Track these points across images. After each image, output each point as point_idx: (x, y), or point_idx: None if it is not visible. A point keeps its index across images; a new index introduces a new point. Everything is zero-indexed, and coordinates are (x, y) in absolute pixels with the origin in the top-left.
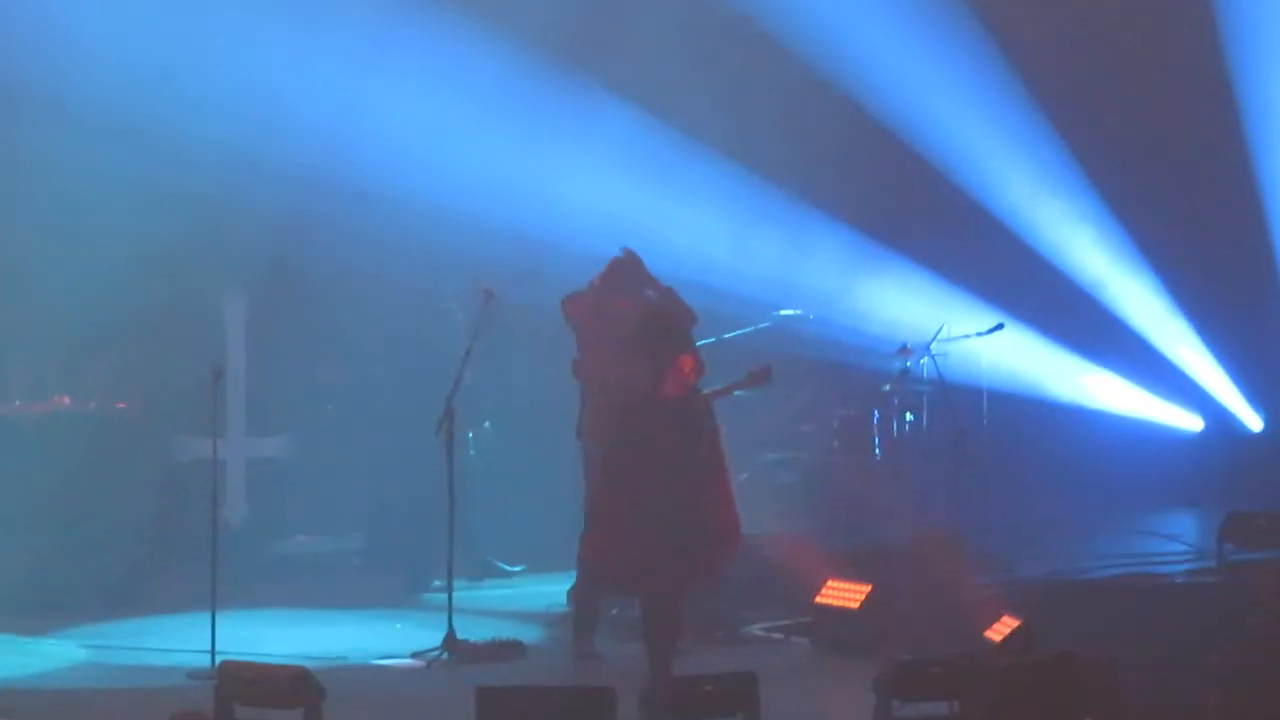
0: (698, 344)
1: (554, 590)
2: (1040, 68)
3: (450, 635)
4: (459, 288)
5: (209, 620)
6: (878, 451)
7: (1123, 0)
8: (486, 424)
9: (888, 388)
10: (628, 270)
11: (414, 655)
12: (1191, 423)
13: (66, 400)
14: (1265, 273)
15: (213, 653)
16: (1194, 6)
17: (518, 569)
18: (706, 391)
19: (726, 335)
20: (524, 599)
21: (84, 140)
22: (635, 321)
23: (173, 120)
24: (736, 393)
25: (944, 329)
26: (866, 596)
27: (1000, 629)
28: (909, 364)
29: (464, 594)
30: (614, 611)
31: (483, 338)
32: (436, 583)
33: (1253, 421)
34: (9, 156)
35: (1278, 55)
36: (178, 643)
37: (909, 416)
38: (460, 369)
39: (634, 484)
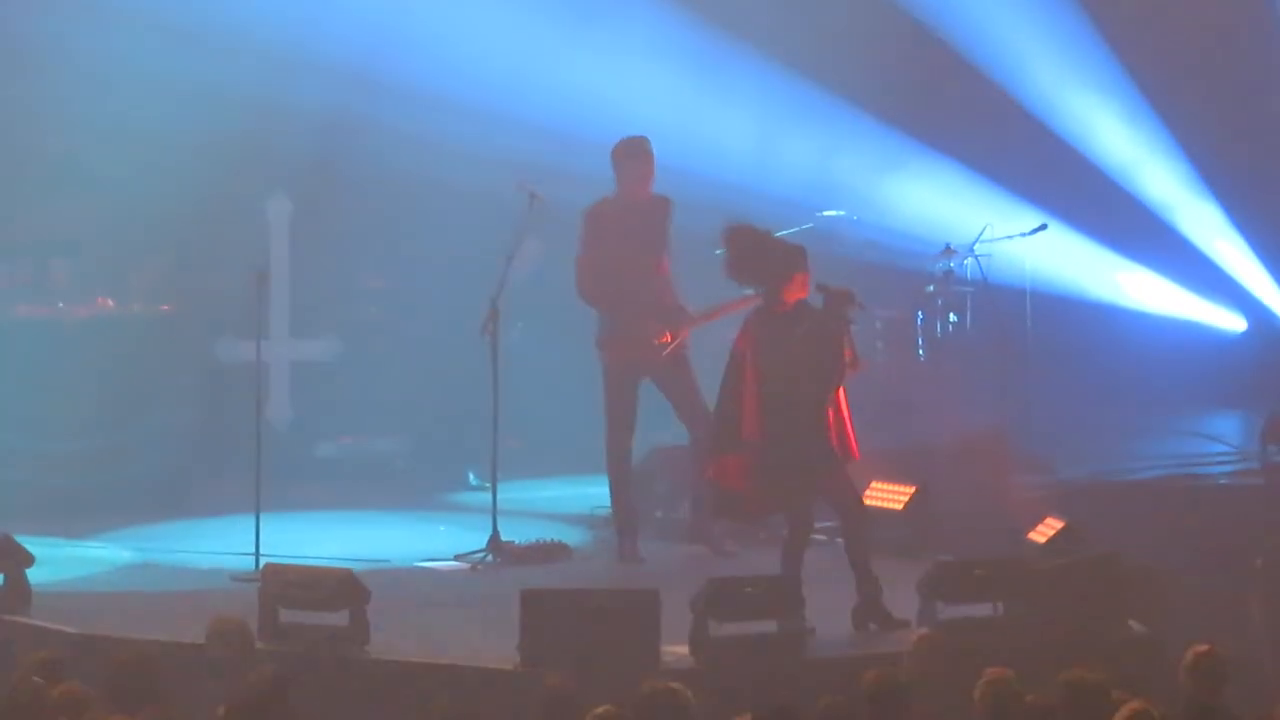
0: None
1: (596, 492)
2: None
3: (495, 537)
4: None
5: (253, 523)
6: (921, 353)
7: None
8: (519, 325)
9: (931, 289)
10: (644, 156)
11: (458, 557)
12: (1234, 323)
13: (110, 303)
14: None
15: (257, 555)
16: None
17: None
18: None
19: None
20: (567, 501)
21: (127, 39)
22: (730, 239)
23: (217, 19)
24: None
25: (987, 229)
26: (910, 498)
27: (1044, 530)
28: (952, 265)
29: (507, 495)
30: (658, 515)
31: (527, 239)
32: (472, 482)
33: None
34: (54, 56)
35: None
36: (222, 545)
37: (953, 318)
38: (505, 270)
39: (782, 400)
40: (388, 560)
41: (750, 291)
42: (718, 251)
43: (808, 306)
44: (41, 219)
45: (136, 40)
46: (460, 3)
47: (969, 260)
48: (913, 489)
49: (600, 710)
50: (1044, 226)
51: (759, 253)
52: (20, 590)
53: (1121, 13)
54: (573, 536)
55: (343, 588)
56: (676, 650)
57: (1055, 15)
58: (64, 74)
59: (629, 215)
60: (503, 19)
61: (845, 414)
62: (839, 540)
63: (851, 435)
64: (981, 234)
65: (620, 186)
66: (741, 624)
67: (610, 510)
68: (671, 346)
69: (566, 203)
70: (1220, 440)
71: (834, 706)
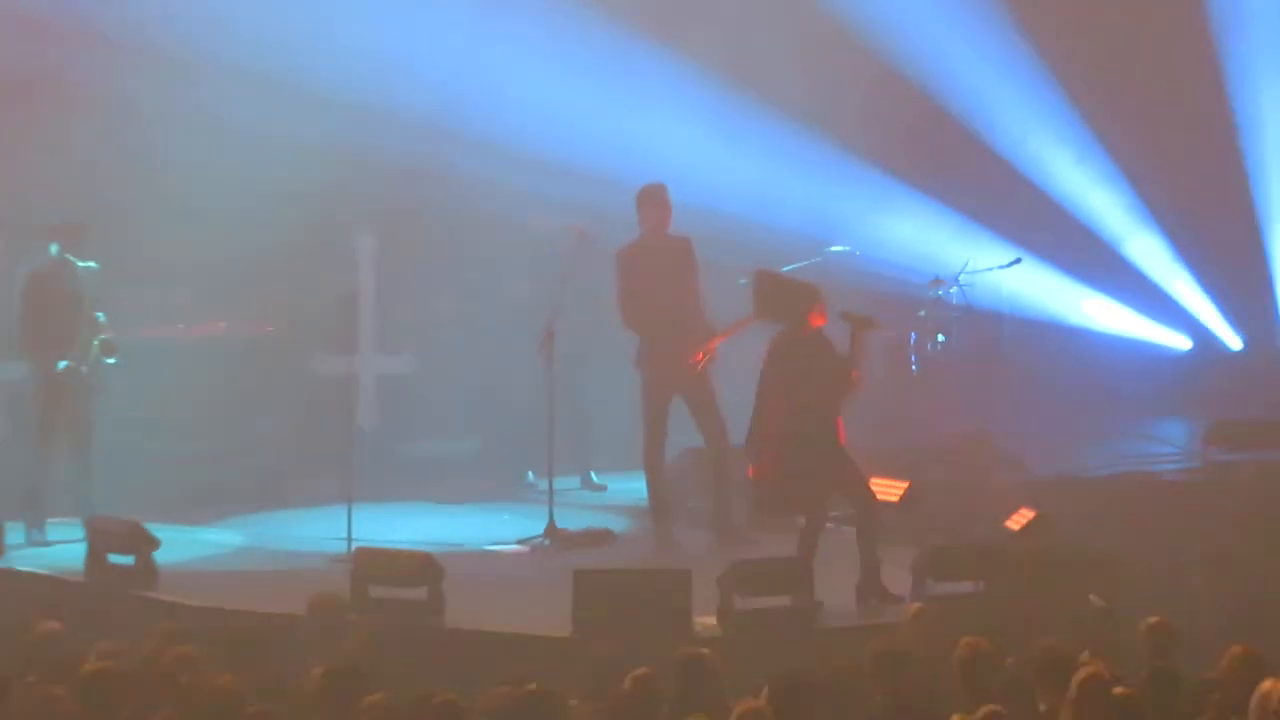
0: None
1: (637, 486)
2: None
3: (551, 525)
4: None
5: (346, 513)
6: (914, 367)
7: None
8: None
9: (923, 313)
10: (662, 200)
11: (520, 542)
12: (1180, 342)
13: (223, 325)
14: (1245, 210)
15: (349, 540)
16: None
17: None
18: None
19: (787, 268)
20: (612, 495)
21: (239, 98)
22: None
23: (313, 81)
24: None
25: (970, 262)
26: (905, 492)
27: (1019, 519)
28: (940, 293)
29: (562, 489)
30: (690, 505)
31: (576, 271)
32: (530, 479)
33: (1233, 341)
34: (177, 115)
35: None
36: (319, 531)
37: (941, 338)
38: (558, 298)
39: (791, 412)
40: (460, 544)
41: None
42: (741, 281)
43: (822, 334)
44: (166, 254)
45: (246, 99)
46: (518, 69)
47: (954, 289)
48: (907, 484)
49: (639, 672)
50: (1018, 260)
51: (780, 295)
52: (148, 569)
53: (1079, 67)
54: (617, 524)
55: (422, 567)
56: (705, 621)
57: (1021, 68)
58: (184, 129)
59: (654, 254)
60: (555, 81)
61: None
62: (844, 528)
63: (843, 432)
64: (965, 266)
65: (643, 227)
66: (761, 599)
67: (648, 501)
68: (702, 363)
69: (609, 238)
70: (1169, 443)
71: (841, 669)
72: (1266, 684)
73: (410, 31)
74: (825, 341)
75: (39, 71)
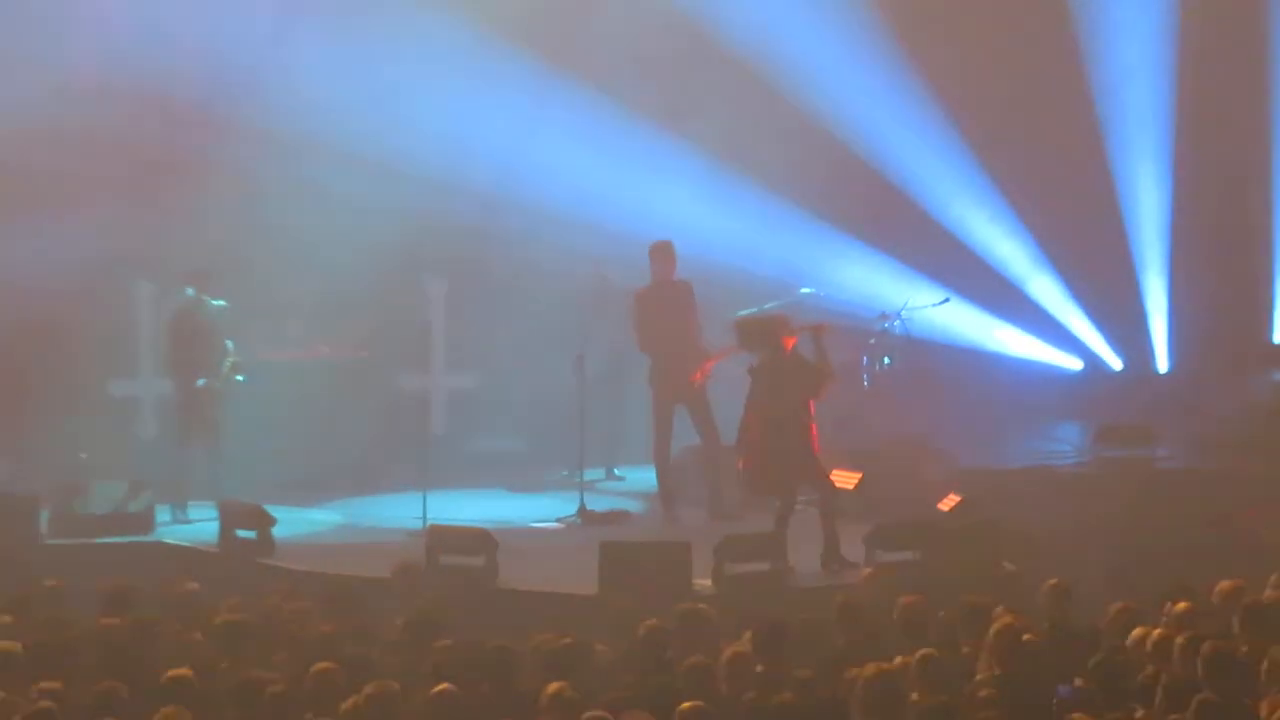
0: (746, 312)
1: (649, 477)
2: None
3: (582, 506)
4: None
5: (421, 497)
6: (866, 383)
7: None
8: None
9: (872, 340)
10: (669, 253)
11: (557, 520)
12: (1073, 363)
13: (326, 349)
14: (1123, 255)
15: (424, 519)
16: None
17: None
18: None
19: (766, 305)
20: (630, 484)
21: (338, 172)
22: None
23: (395, 157)
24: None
25: (909, 301)
26: (859, 481)
27: (948, 502)
28: (886, 325)
29: (590, 479)
30: (689, 492)
31: (603, 307)
32: (564, 472)
33: (1115, 362)
34: (291, 185)
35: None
36: (401, 512)
37: (886, 360)
38: (586, 329)
39: (770, 418)
40: (509, 521)
41: None
42: (735, 315)
43: (796, 352)
44: (280, 290)
45: (344, 172)
46: (559, 148)
47: (897, 321)
48: (859, 475)
49: (651, 622)
50: (947, 299)
51: (757, 331)
52: (267, 542)
53: (990, 142)
54: (634, 506)
55: (480, 540)
56: (702, 582)
57: (948, 146)
58: (296, 197)
59: (662, 295)
60: (586, 158)
61: (813, 425)
62: (812, 509)
63: (815, 438)
64: (906, 304)
65: (654, 274)
66: (746, 565)
67: (657, 489)
68: (699, 380)
69: (629, 280)
70: (1065, 441)
71: (809, 620)
72: (1138, 630)
73: (473, 119)
74: (798, 359)
75: (182, 151)
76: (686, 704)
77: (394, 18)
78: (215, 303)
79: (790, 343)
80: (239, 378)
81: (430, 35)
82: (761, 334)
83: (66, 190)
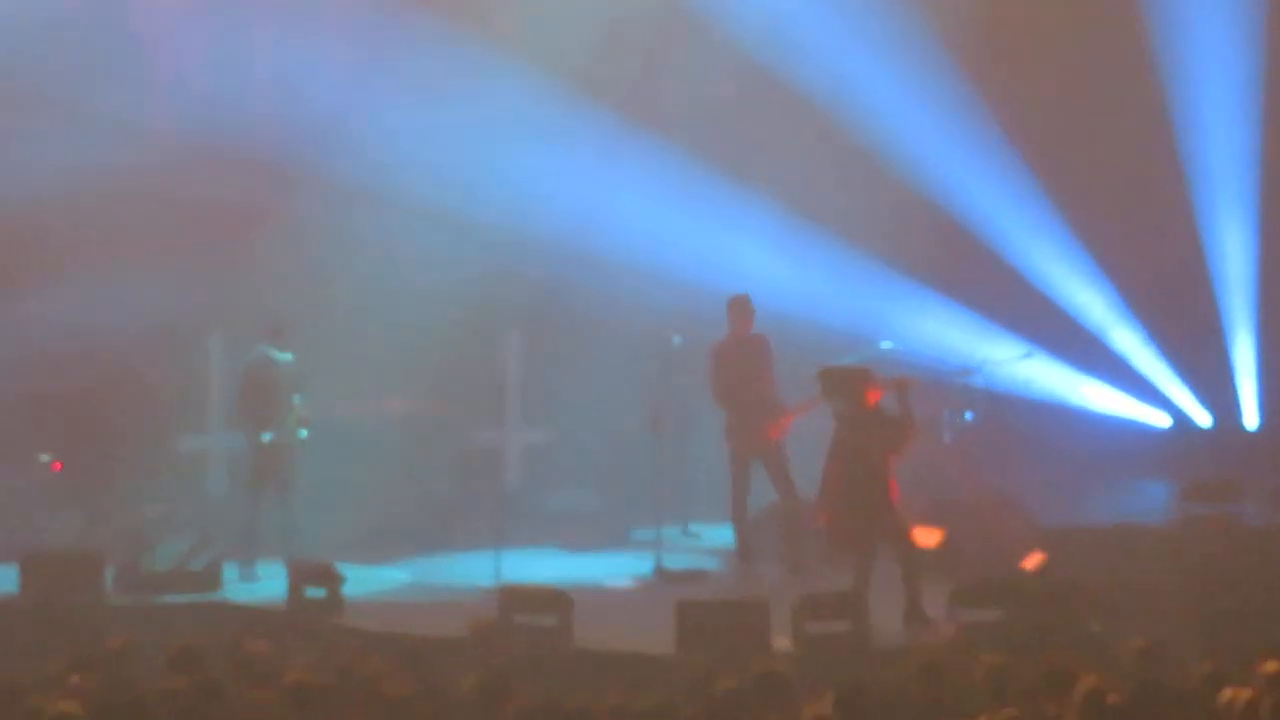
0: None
1: (726, 534)
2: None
3: (658, 565)
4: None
5: (494, 555)
6: (947, 438)
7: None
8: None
9: (953, 394)
10: (746, 307)
11: (633, 578)
12: (1162, 420)
13: (398, 404)
14: (1210, 308)
15: (497, 577)
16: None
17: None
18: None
19: (846, 359)
20: (706, 539)
21: (411, 225)
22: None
23: (468, 209)
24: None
25: (991, 355)
26: (940, 538)
27: (1032, 560)
28: (968, 379)
29: (666, 536)
30: (768, 549)
31: (678, 366)
32: (638, 532)
33: (1203, 418)
34: (364, 240)
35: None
36: (473, 570)
37: (968, 415)
38: (664, 386)
39: (852, 473)
40: (585, 581)
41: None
42: (818, 367)
43: (879, 406)
44: (356, 346)
45: (416, 226)
46: (633, 204)
47: (979, 376)
48: (942, 531)
49: (727, 684)
50: (1030, 353)
51: (841, 383)
52: (337, 600)
53: (1072, 192)
54: (711, 564)
55: (555, 599)
56: (781, 642)
57: (1028, 195)
58: (370, 252)
59: (739, 349)
60: (663, 213)
61: (894, 481)
62: (892, 565)
63: (897, 493)
64: (988, 357)
65: (731, 327)
66: (825, 624)
67: (735, 546)
68: (777, 436)
69: (700, 339)
70: (1151, 498)
71: (891, 680)
72: (1228, 692)
73: (546, 172)
74: (881, 413)
75: (255, 206)
76: None
77: (467, 72)
78: (283, 356)
79: (875, 397)
80: (302, 433)
81: (503, 88)
82: (845, 386)
83: (140, 245)
